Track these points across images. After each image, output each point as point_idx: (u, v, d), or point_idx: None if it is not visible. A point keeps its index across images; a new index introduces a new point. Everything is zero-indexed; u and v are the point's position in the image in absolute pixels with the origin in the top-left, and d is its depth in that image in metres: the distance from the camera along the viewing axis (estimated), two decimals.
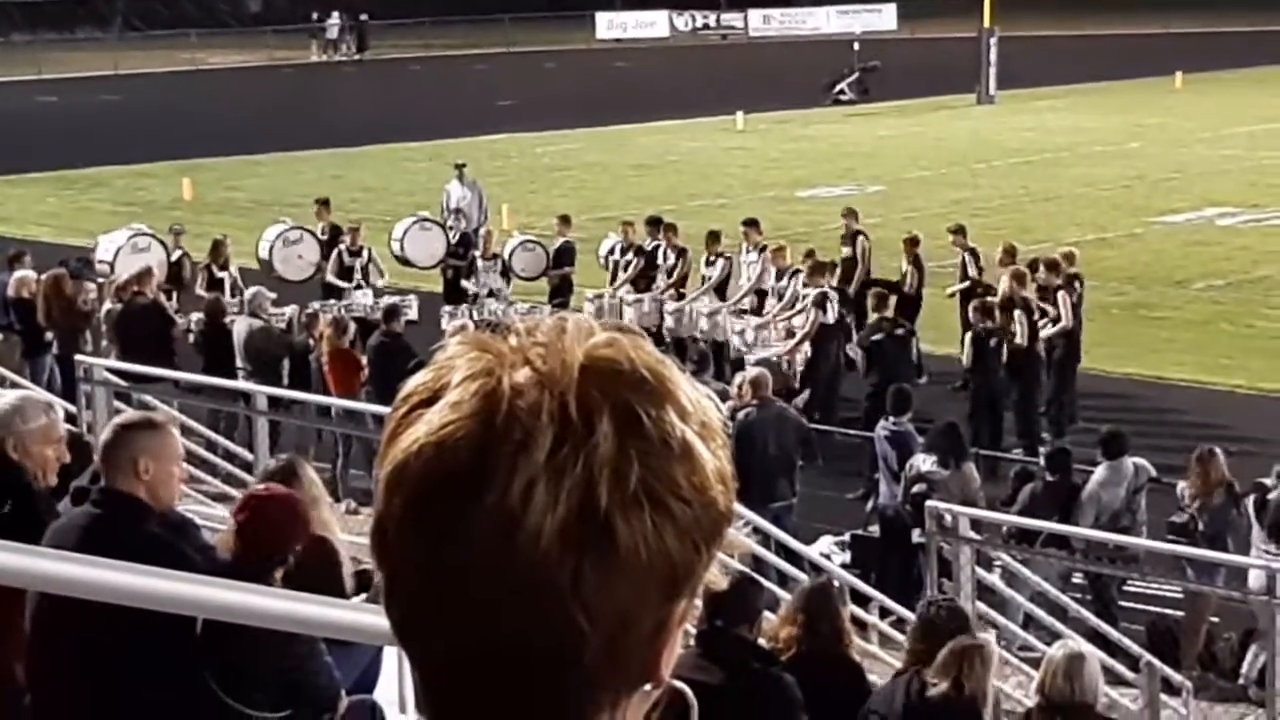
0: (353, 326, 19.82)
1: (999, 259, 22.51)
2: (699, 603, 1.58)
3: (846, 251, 24.24)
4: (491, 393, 1.36)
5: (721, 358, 21.65)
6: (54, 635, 5.89)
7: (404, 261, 26.89)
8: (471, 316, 23.50)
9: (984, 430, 19.14)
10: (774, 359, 20.75)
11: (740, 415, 16.27)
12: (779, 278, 22.65)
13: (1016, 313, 19.97)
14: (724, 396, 15.98)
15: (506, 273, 25.37)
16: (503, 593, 1.33)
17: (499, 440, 1.34)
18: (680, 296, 23.78)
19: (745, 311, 23.00)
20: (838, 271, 22.80)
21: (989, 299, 20.45)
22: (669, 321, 22.90)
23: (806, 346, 21.07)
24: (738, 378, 17.78)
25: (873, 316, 20.93)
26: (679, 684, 1.48)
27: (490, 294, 24.69)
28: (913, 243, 23.70)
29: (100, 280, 22.38)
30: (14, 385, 16.10)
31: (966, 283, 22.91)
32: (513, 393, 1.36)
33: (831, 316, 21.05)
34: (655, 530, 1.35)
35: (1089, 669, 8.61)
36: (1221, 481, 14.55)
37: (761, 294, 23.05)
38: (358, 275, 24.43)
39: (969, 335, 20.16)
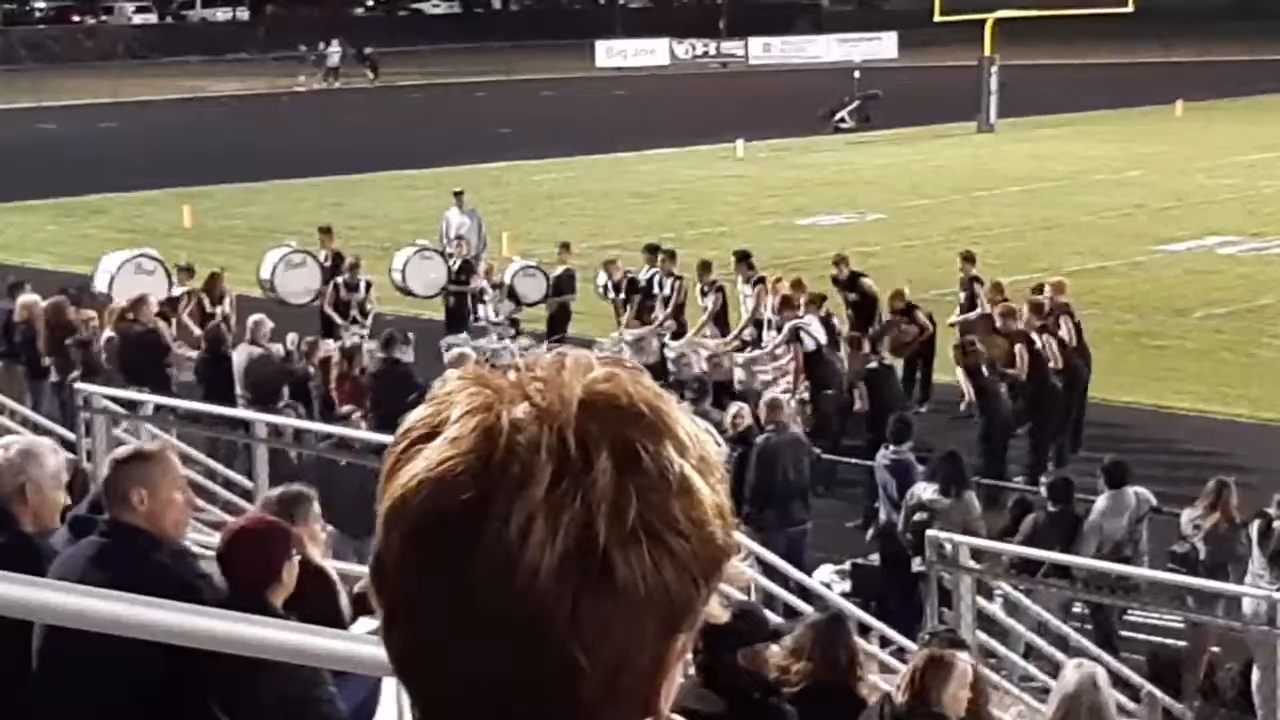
0: (366, 356, 19.90)
1: (988, 295, 22.47)
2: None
3: (853, 297, 24.04)
4: (490, 428, 1.36)
5: (722, 393, 21.41)
6: (58, 663, 5.89)
7: (405, 292, 26.87)
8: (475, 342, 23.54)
9: (993, 460, 19.10)
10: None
11: (760, 439, 16.35)
12: (773, 310, 22.61)
13: (1018, 346, 20.02)
14: (717, 427, 15.95)
15: (515, 299, 25.37)
16: (501, 628, 1.33)
17: (497, 476, 1.34)
18: (680, 327, 23.74)
19: (745, 344, 22.94)
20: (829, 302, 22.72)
21: (993, 352, 20.38)
22: (670, 367, 22.76)
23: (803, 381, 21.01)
24: (732, 407, 17.79)
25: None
26: (678, 718, 1.48)
27: (510, 323, 24.61)
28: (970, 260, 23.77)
29: (100, 304, 22.39)
30: (14, 414, 16.12)
31: (974, 313, 22.81)
32: (511, 428, 1.36)
33: (811, 344, 20.99)
34: (654, 565, 1.35)
35: (1104, 698, 8.58)
36: (1232, 516, 14.54)
37: (760, 325, 23.02)
38: (354, 310, 24.41)
39: (961, 373, 20.15)
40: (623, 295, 24.64)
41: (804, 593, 13.28)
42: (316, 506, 7.84)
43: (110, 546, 6.10)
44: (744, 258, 24.27)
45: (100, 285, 24.69)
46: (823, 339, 21.21)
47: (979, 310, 22.59)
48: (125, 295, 22.43)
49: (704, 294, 23.97)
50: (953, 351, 20.49)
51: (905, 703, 8.24)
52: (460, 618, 1.34)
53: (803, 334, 20.97)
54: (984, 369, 19.87)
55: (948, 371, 22.38)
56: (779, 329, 22.22)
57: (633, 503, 1.34)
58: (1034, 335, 20.32)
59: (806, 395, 20.88)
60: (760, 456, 16.12)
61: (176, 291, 24.29)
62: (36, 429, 15.44)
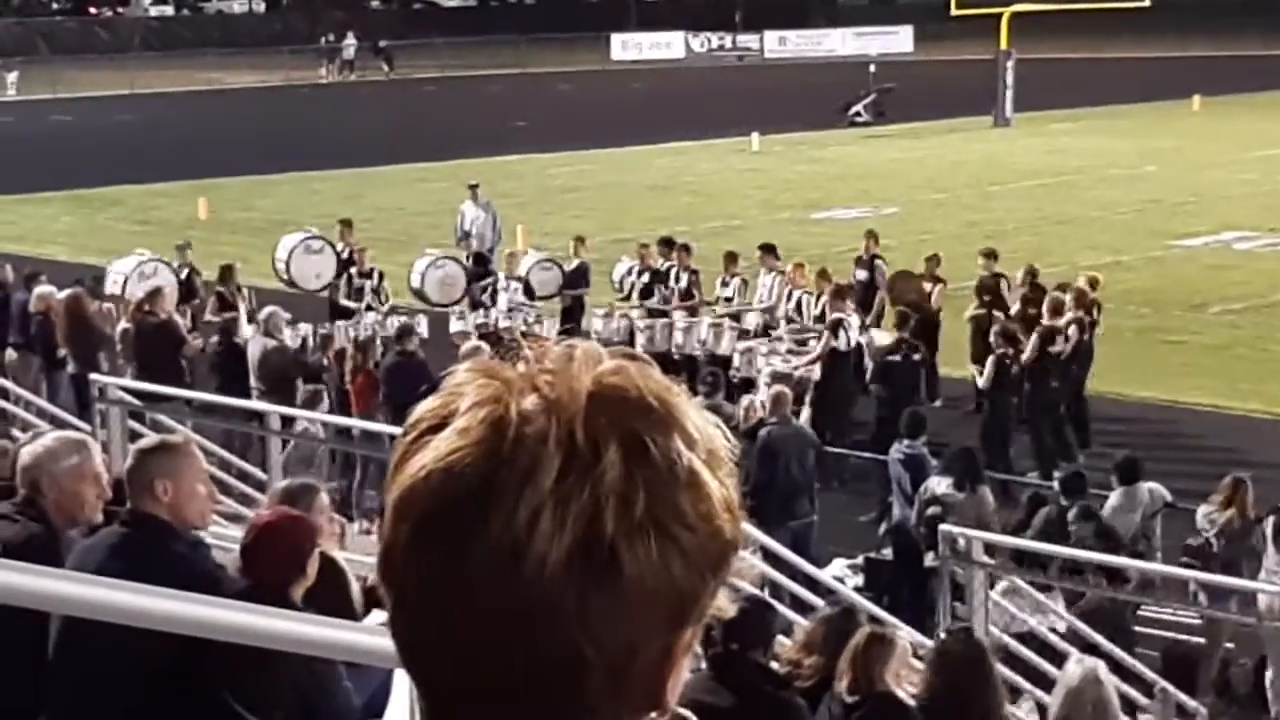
0: (379, 348, 19.92)
1: (1020, 280, 22.46)
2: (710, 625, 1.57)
3: (862, 275, 24.12)
4: (499, 419, 1.36)
5: (724, 377, 21.24)
6: (75, 654, 5.90)
7: (427, 300, 26.75)
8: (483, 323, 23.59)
9: (996, 453, 19.08)
10: (788, 372, 20.67)
11: (762, 432, 16.28)
12: (792, 299, 22.62)
13: (1035, 336, 20.00)
14: (729, 421, 15.85)
15: (530, 293, 25.33)
16: (508, 620, 1.34)
17: (506, 467, 1.34)
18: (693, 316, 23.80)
19: (752, 332, 22.92)
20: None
21: (1010, 325, 20.40)
22: (677, 338, 22.85)
23: (817, 369, 20.95)
24: (744, 400, 17.76)
25: (893, 336, 20.91)
26: (685, 711, 1.48)
27: (511, 311, 24.62)
28: (933, 262, 23.75)
29: (114, 298, 22.44)
30: (27, 404, 16.14)
31: (984, 310, 22.67)
32: (520, 419, 1.36)
33: (844, 344, 20.90)
34: (661, 558, 1.35)
35: (1107, 692, 8.56)
36: (1247, 513, 14.51)
37: (772, 314, 23.04)
38: (368, 297, 24.46)
39: (991, 358, 20.01)
40: (645, 280, 24.64)
41: (811, 585, 13.24)
42: (324, 498, 7.84)
43: (131, 536, 6.12)
44: (769, 250, 24.30)
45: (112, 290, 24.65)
46: (853, 341, 21.08)
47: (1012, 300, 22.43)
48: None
49: (724, 284, 24.05)
50: (993, 337, 20.25)
51: (849, 684, 8.21)
52: (467, 608, 1.34)
53: (841, 330, 20.86)
54: (1012, 362, 19.83)
55: (955, 366, 22.38)
56: (790, 319, 22.22)
57: (640, 496, 1.35)
58: (1047, 325, 20.28)
59: (815, 380, 20.82)
60: (762, 450, 16.03)
61: (184, 272, 24.29)
62: (52, 420, 15.46)
